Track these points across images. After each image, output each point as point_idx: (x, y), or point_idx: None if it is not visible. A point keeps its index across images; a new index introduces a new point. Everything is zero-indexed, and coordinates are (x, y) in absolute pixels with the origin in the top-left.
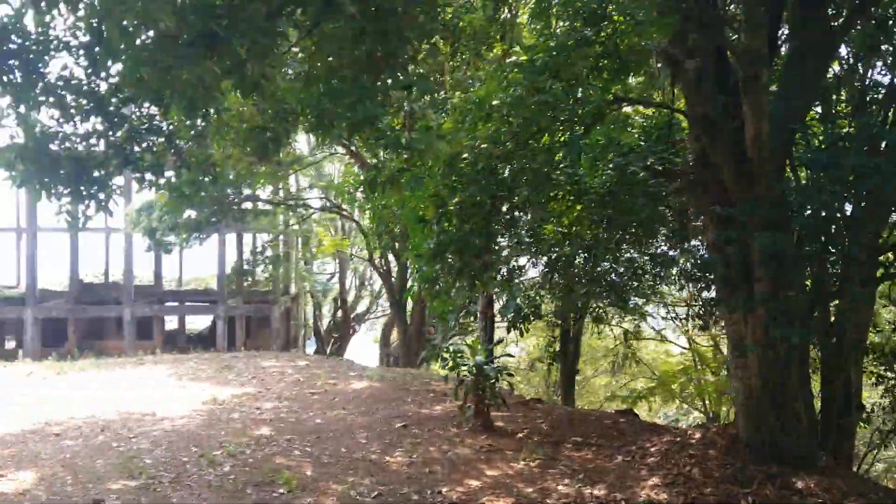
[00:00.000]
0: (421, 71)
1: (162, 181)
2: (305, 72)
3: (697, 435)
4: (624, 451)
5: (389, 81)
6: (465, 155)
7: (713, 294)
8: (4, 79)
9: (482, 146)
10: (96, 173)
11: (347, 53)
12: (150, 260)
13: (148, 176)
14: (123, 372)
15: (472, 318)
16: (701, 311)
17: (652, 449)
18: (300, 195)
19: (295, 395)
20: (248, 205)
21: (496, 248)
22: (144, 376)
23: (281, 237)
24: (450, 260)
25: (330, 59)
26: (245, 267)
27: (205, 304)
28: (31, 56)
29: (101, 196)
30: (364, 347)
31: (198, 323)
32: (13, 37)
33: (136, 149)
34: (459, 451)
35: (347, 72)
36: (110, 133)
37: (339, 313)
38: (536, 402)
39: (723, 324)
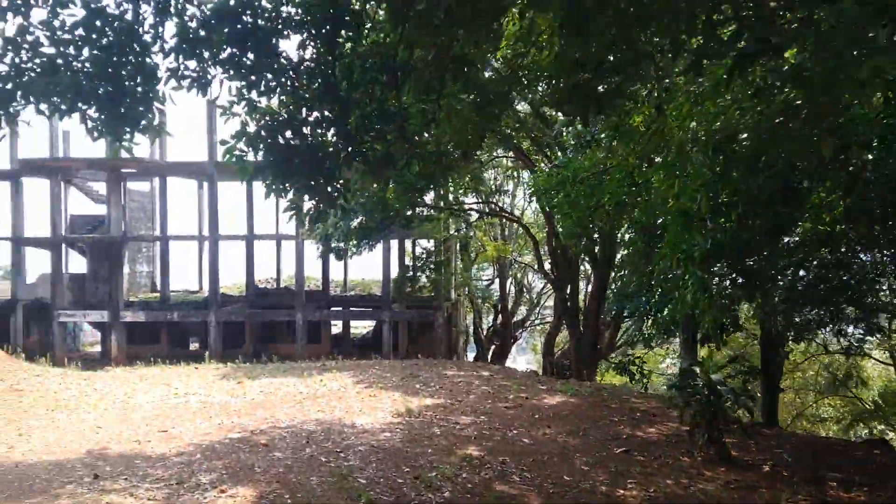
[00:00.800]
0: None
1: (388, 174)
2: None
3: None
4: None
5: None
6: (744, 136)
7: None
8: (236, 60)
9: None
10: (328, 164)
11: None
12: (317, 264)
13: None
14: (310, 378)
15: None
16: None
17: None
18: (459, 200)
19: (490, 409)
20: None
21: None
22: (331, 383)
23: (442, 242)
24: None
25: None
26: (409, 273)
27: (368, 309)
28: (263, 36)
29: (330, 190)
30: (515, 354)
31: (360, 327)
32: (246, 14)
33: (366, 137)
34: (703, 487)
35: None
36: (341, 121)
37: (499, 319)
38: (759, 426)
39: None
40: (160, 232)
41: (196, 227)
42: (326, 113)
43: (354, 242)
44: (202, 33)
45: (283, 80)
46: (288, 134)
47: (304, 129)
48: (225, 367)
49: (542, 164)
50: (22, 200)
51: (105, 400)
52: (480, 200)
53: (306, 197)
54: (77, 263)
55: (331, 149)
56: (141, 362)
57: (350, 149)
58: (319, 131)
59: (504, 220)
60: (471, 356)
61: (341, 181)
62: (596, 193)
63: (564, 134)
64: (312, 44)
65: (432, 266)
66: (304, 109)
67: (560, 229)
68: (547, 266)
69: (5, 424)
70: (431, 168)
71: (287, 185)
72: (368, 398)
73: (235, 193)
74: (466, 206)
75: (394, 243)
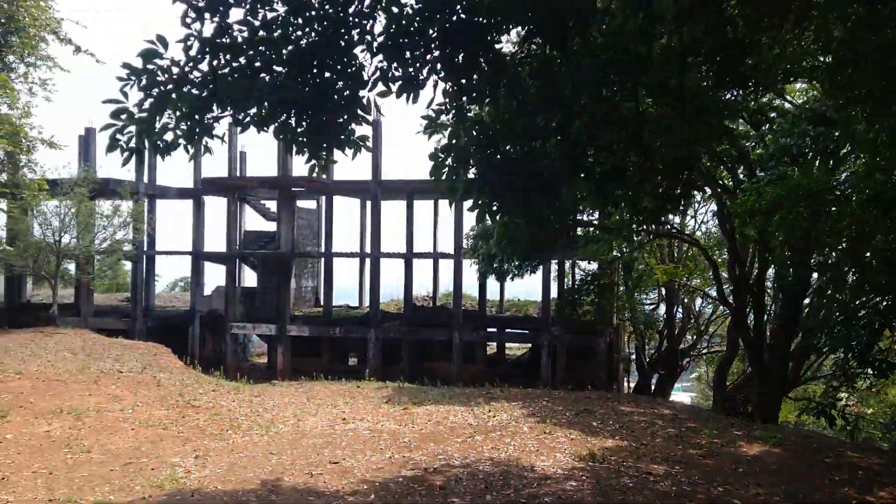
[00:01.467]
0: None
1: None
2: None
3: None
4: None
5: None
6: None
7: None
8: (449, 59)
9: None
10: (547, 180)
11: None
12: (473, 283)
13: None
14: (478, 408)
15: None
16: None
17: None
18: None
19: (682, 457)
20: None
21: None
22: (500, 414)
23: (608, 264)
24: None
25: None
26: (574, 296)
27: (525, 331)
28: (479, 30)
29: (552, 215)
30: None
31: (513, 348)
32: (461, 5)
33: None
34: None
35: None
36: (564, 129)
37: (664, 346)
38: None
39: None
40: (325, 249)
41: (357, 244)
42: (547, 120)
43: (516, 264)
44: (414, 27)
45: (500, 82)
46: (504, 147)
47: (522, 140)
48: (386, 388)
49: (723, 181)
50: (203, 217)
51: (276, 422)
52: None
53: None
54: (248, 278)
55: (550, 162)
56: (304, 376)
57: (573, 162)
58: (537, 143)
59: (673, 242)
60: (630, 385)
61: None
62: (830, 217)
63: (756, 146)
64: (534, 39)
65: (595, 289)
66: (521, 117)
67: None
68: (726, 291)
69: (183, 444)
70: (673, 185)
71: (498, 205)
72: (543, 435)
73: (395, 211)
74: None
75: (552, 265)
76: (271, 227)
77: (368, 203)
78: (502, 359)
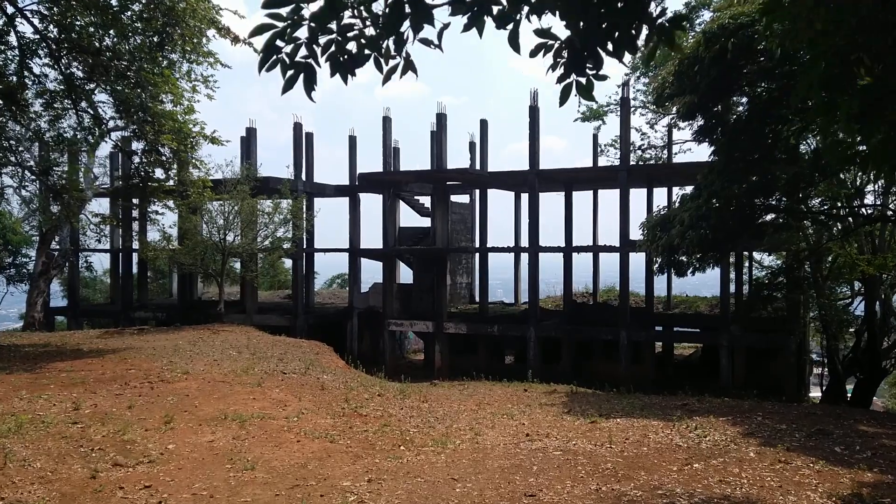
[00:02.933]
0: None
1: None
2: None
3: None
4: None
5: None
6: None
7: None
8: None
9: None
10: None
11: None
12: (639, 279)
13: None
14: (680, 423)
15: None
16: None
17: None
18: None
19: None
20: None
21: None
22: (712, 433)
23: (796, 255)
24: None
25: None
26: (763, 292)
27: (696, 329)
28: None
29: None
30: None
31: (678, 347)
32: None
33: None
34: None
35: None
36: None
37: (861, 346)
38: None
39: None
40: (479, 243)
41: (511, 239)
42: None
43: (699, 255)
44: None
45: None
46: None
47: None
48: (557, 393)
49: None
50: (359, 214)
51: (452, 436)
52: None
53: None
54: (403, 274)
55: None
56: (462, 375)
57: None
58: None
59: (873, 228)
60: (815, 391)
61: None
62: None
63: None
64: None
65: (785, 282)
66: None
67: None
68: None
69: (353, 462)
70: None
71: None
72: (780, 465)
73: (551, 204)
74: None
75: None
76: (425, 222)
77: (523, 196)
78: (670, 360)
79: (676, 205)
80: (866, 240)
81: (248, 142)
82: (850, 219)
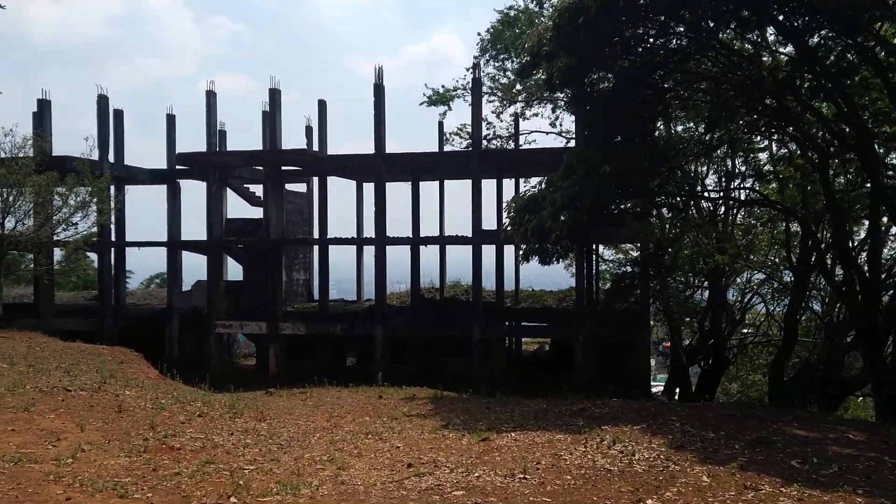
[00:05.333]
0: None
1: None
2: None
3: None
4: None
5: None
6: None
7: None
8: None
9: None
10: None
11: None
12: (487, 272)
13: None
14: (589, 436)
15: None
16: None
17: None
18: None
19: None
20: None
21: None
22: (641, 450)
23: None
24: None
25: None
26: (623, 283)
27: (546, 324)
28: None
29: None
30: None
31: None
32: None
33: None
34: None
35: None
36: None
37: (700, 339)
38: None
39: None
40: (318, 235)
41: (350, 233)
42: None
43: (570, 240)
44: None
45: None
46: None
47: None
48: (421, 400)
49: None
50: (179, 203)
51: (305, 473)
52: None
53: None
54: (232, 271)
55: None
56: (301, 380)
57: None
58: None
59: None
60: (658, 386)
61: None
62: None
63: None
64: None
65: (638, 274)
66: None
67: None
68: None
69: None
70: None
71: None
72: (752, 495)
73: (394, 195)
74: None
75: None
76: (257, 214)
77: (366, 186)
78: (519, 356)
79: (542, 187)
80: (708, 229)
81: (42, 117)
82: (720, 202)
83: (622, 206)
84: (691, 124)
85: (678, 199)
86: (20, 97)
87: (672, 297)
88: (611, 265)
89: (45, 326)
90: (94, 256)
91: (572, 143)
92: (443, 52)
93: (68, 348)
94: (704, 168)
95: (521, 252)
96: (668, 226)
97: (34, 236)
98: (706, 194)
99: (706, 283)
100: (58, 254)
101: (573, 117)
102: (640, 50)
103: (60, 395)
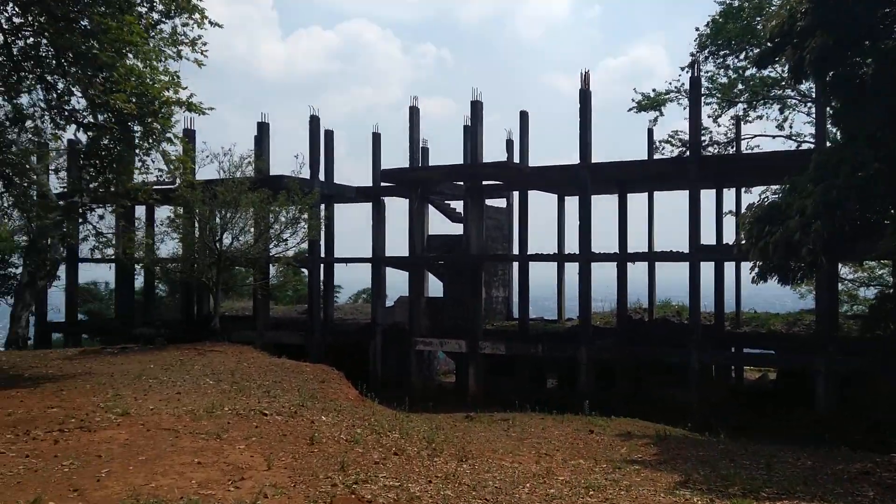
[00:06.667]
0: None
1: None
2: None
3: None
4: None
5: None
6: None
7: None
8: None
9: None
10: None
11: None
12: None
13: None
14: None
15: None
16: None
17: None
18: None
19: None
20: None
21: None
22: None
23: None
24: None
25: None
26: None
27: (767, 351)
28: None
29: None
30: None
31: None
32: None
33: None
34: None
35: None
36: None
37: None
38: None
39: None
40: (519, 251)
41: (551, 249)
42: None
43: (826, 255)
44: None
45: None
46: None
47: None
48: (640, 439)
49: None
50: (384, 219)
51: None
52: None
53: None
54: (434, 287)
55: None
56: (499, 403)
57: None
58: None
59: None
60: None
61: None
62: None
63: None
64: None
65: None
66: None
67: None
68: None
69: None
70: None
71: None
72: None
73: (598, 210)
74: None
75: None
76: (457, 230)
77: (567, 200)
78: (741, 385)
79: (783, 193)
80: None
81: (261, 139)
82: None
83: (884, 215)
84: None
85: None
86: (251, 128)
87: None
88: (849, 285)
89: (261, 339)
90: (306, 272)
91: (805, 147)
92: (646, 63)
93: (273, 365)
94: None
95: (755, 270)
96: None
97: (248, 252)
98: None
99: None
100: (273, 269)
101: (811, 117)
102: None
103: (256, 419)
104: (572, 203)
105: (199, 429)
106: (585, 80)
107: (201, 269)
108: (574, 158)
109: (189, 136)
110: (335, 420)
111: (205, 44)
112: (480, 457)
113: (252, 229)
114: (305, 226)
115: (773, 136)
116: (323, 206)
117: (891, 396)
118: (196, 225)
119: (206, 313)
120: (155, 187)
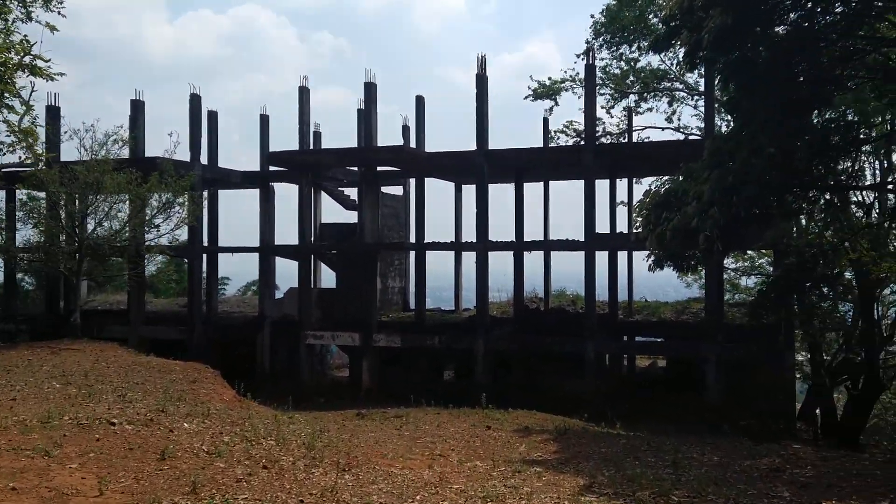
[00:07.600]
0: None
1: None
2: None
3: None
4: None
5: None
6: None
7: None
8: None
9: None
10: None
11: None
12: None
13: None
14: None
15: None
16: None
17: None
18: None
19: None
20: None
21: None
22: None
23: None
24: None
25: None
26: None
27: (657, 339)
28: None
29: None
30: None
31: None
32: None
33: None
34: None
35: None
36: None
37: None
38: None
39: None
40: (416, 240)
41: (446, 238)
42: None
43: (722, 242)
44: None
45: None
46: None
47: None
48: (539, 435)
49: None
50: (272, 206)
51: None
52: None
53: None
54: (325, 278)
55: None
56: (395, 398)
57: None
58: None
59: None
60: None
61: None
62: None
63: None
64: None
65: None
66: None
67: None
68: None
69: None
70: None
71: None
72: None
73: (494, 199)
74: None
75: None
76: (352, 218)
77: (465, 188)
78: (633, 373)
79: (679, 179)
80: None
81: (136, 119)
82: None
83: (774, 203)
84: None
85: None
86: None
87: (817, 312)
88: (731, 274)
89: (135, 335)
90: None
91: (692, 138)
92: (540, 59)
93: (137, 364)
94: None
95: (652, 258)
96: (817, 227)
97: (115, 239)
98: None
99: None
100: (150, 259)
101: (698, 110)
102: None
103: (100, 430)
104: (469, 192)
105: (26, 444)
106: (482, 64)
107: (60, 258)
108: (471, 149)
109: (53, 113)
110: (199, 427)
111: (61, 2)
112: (367, 464)
113: (119, 214)
114: (182, 211)
115: (662, 129)
116: (206, 193)
117: (774, 384)
118: (60, 210)
119: (73, 307)
120: (4, 169)
